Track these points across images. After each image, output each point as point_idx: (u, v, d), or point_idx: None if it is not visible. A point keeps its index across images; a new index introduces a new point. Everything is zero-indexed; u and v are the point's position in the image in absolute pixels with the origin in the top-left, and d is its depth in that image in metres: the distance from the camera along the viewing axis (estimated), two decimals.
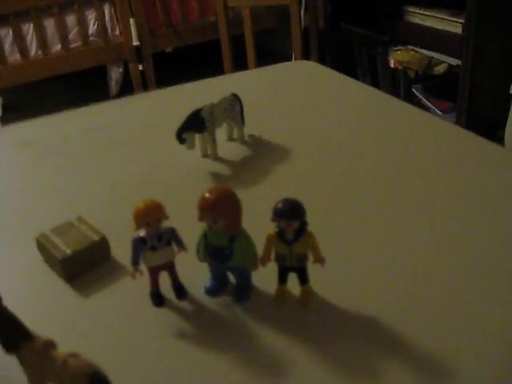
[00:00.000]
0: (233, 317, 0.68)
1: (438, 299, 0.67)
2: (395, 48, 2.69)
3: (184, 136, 0.95)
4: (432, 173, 0.93)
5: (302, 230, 0.64)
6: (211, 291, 0.70)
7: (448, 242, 0.77)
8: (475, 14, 2.09)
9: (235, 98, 1.04)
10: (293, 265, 0.66)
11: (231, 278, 0.71)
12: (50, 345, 0.52)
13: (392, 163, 0.97)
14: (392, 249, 0.77)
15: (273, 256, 0.67)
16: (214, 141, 1.01)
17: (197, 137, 0.99)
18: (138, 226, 0.64)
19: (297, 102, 1.26)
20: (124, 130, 1.20)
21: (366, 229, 0.81)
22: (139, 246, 0.65)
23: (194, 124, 0.95)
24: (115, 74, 3.70)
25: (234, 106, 1.03)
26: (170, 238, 0.67)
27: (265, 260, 0.67)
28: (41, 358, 0.52)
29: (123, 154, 1.09)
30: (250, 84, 1.38)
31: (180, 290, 0.71)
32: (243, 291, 0.70)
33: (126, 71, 3.71)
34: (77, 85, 4.08)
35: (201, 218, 0.64)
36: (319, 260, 0.66)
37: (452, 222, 0.81)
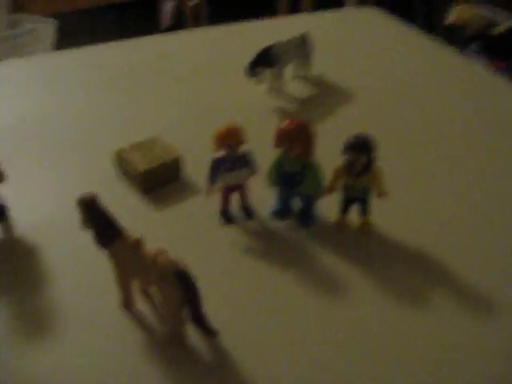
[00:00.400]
0: (296, 239, 0.73)
1: (493, 239, 0.72)
2: (456, 3, 2.64)
3: (255, 70, 0.99)
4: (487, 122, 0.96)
5: (369, 165, 0.68)
6: (277, 213, 0.76)
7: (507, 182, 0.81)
8: None
9: (305, 38, 1.07)
10: (357, 196, 0.71)
11: (296, 205, 0.76)
12: (140, 241, 0.58)
13: (452, 111, 1.00)
14: (452, 188, 0.81)
15: (339, 187, 0.71)
16: (281, 76, 1.04)
17: (265, 71, 1.02)
18: (219, 148, 0.69)
19: (360, 46, 1.29)
20: (193, 61, 1.25)
21: (427, 168, 0.85)
22: (218, 165, 0.71)
23: (266, 59, 0.99)
24: (168, 6, 3.70)
25: (303, 45, 1.06)
26: (246, 161, 0.72)
27: (331, 189, 0.72)
28: (131, 254, 0.58)
29: (194, 83, 1.15)
30: (316, 27, 1.39)
31: (248, 211, 0.76)
32: (307, 217, 0.75)
33: (179, 5, 3.71)
34: (128, 15, 4.10)
35: (277, 145, 0.69)
36: (382, 194, 0.71)
37: (488, 169, 0.85)
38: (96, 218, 0.59)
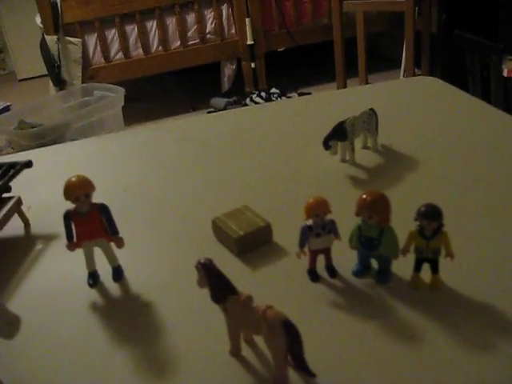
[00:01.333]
0: (375, 295, 0.84)
1: None
2: (510, 57, 2.70)
3: (330, 143, 1.12)
4: None
5: (438, 229, 0.80)
6: (358, 273, 0.87)
7: None
8: None
9: (372, 113, 1.20)
10: (428, 256, 0.82)
11: (374, 264, 0.87)
12: (250, 298, 0.70)
13: (499, 178, 1.11)
14: (506, 247, 0.90)
15: (412, 249, 0.83)
16: (353, 149, 1.18)
17: (338, 144, 1.16)
18: (308, 216, 0.82)
19: (421, 115, 1.41)
20: (271, 133, 1.40)
21: (488, 231, 0.95)
22: (307, 232, 0.83)
23: (338, 134, 1.13)
24: (228, 70, 3.90)
25: (371, 119, 1.19)
26: (331, 228, 0.84)
27: (405, 251, 0.83)
28: (243, 308, 0.70)
29: (273, 154, 1.29)
30: (375, 97, 1.53)
31: (332, 270, 0.88)
32: (385, 275, 0.86)
33: (239, 68, 3.91)
34: (192, 80, 4.32)
35: (358, 214, 0.81)
36: (450, 254, 0.82)
37: None
38: (213, 277, 0.72)
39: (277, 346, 0.68)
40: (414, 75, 3.00)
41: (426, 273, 0.84)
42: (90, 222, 0.88)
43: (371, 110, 1.20)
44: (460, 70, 3.07)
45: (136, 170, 1.28)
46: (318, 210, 0.81)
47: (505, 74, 2.75)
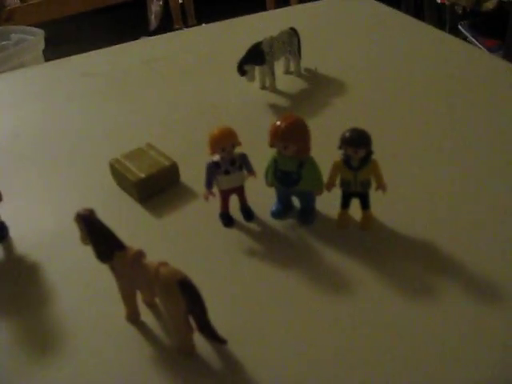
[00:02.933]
0: (297, 238, 0.72)
1: (496, 227, 0.71)
2: None
3: (245, 68, 0.98)
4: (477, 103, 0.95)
5: (366, 158, 0.68)
6: (277, 214, 0.75)
7: (497, 168, 0.80)
8: None
9: (293, 32, 1.06)
10: (357, 190, 0.70)
11: (295, 202, 0.75)
12: (141, 254, 0.57)
13: (438, 93, 1.01)
14: (450, 176, 0.80)
15: (337, 182, 0.71)
16: (272, 73, 1.04)
17: (256, 69, 1.01)
18: (213, 151, 0.68)
19: (349, 36, 1.28)
20: (182, 62, 1.24)
21: (424, 158, 0.85)
22: (213, 170, 0.70)
23: (255, 57, 0.99)
24: (155, 6, 3.69)
25: (292, 40, 1.05)
26: (242, 163, 0.71)
27: (330, 185, 0.71)
28: (132, 266, 0.57)
29: (184, 85, 1.14)
30: (304, 18, 1.39)
31: (248, 212, 0.75)
32: (308, 214, 0.74)
33: (166, 4, 3.70)
34: (116, 19, 4.08)
35: (272, 144, 0.68)
36: (381, 186, 0.70)
37: (486, 155, 0.84)
38: (95, 233, 0.59)
39: (174, 309, 0.55)
40: None
41: (355, 209, 0.73)
42: None
43: (292, 29, 1.06)
44: None
45: (32, 112, 1.11)
46: (224, 142, 0.68)
47: (438, 0, 2.68)
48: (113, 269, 0.60)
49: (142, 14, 3.74)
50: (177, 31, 1.46)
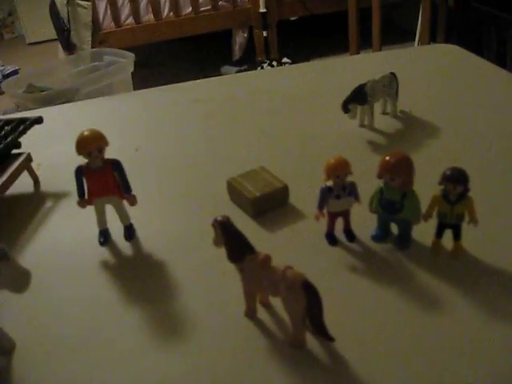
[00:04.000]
0: (394, 261, 0.81)
1: None
2: None
3: (349, 107, 1.09)
4: None
5: (463, 194, 0.77)
6: (377, 238, 0.84)
7: None
8: None
9: (393, 77, 1.16)
10: (451, 222, 0.79)
11: (394, 229, 0.85)
12: (269, 258, 0.68)
13: None
14: None
15: (434, 214, 0.80)
16: (372, 113, 1.15)
17: (358, 108, 1.12)
18: (328, 177, 0.79)
19: (440, 82, 1.37)
20: (287, 94, 1.37)
21: (510, 198, 0.92)
22: (327, 194, 0.80)
23: (358, 97, 1.10)
24: (240, 38, 3.83)
25: (391, 84, 1.16)
26: (351, 190, 0.81)
27: (428, 216, 0.80)
28: (261, 268, 0.68)
29: (290, 117, 1.26)
30: (390, 63, 1.49)
31: (351, 234, 0.85)
32: (405, 240, 0.83)
33: (251, 37, 3.84)
34: (203, 47, 4.26)
35: (380, 176, 0.78)
36: (474, 221, 0.79)
37: None
38: (229, 236, 0.69)
39: (295, 307, 0.65)
40: None
41: (447, 240, 0.81)
42: (102, 178, 0.85)
43: (392, 73, 1.17)
44: (476, 44, 3.01)
45: (147, 131, 1.26)
46: (339, 170, 0.78)
47: None
48: (241, 269, 0.70)
49: (226, 44, 3.90)
50: (276, 67, 1.58)
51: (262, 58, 3.79)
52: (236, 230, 0.69)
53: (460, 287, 0.76)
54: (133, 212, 0.90)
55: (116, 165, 0.85)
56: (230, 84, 1.47)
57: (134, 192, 0.88)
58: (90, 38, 3.59)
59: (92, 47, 3.52)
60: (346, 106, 1.09)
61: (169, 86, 1.50)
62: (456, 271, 0.79)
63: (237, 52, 3.87)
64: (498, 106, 1.23)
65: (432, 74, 1.42)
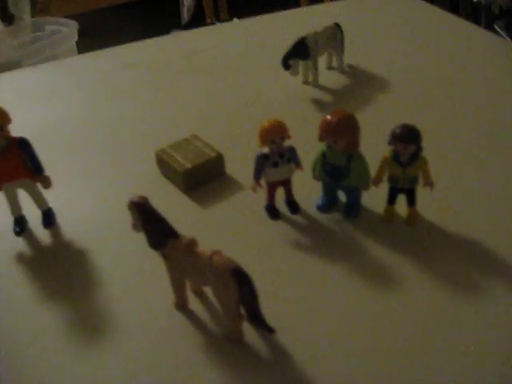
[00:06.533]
0: (342, 232, 0.73)
1: None
2: None
3: (289, 62, 0.98)
4: None
5: (416, 154, 0.68)
6: (323, 208, 0.75)
7: None
8: None
9: (337, 28, 1.06)
10: (404, 186, 0.70)
11: (341, 196, 0.76)
12: (194, 242, 0.58)
13: (483, 94, 1.01)
14: (494, 176, 0.80)
15: (385, 178, 0.71)
16: (316, 68, 1.04)
17: (300, 63, 1.02)
18: (263, 144, 0.69)
19: (392, 33, 1.28)
20: (224, 55, 1.25)
21: (471, 155, 0.85)
22: (263, 162, 0.71)
23: (299, 51, 0.99)
24: (187, 1, 3.70)
25: (335, 36, 1.06)
26: (290, 156, 0.71)
27: (378, 181, 0.71)
28: (185, 254, 0.58)
29: (227, 77, 1.15)
30: (347, 14, 1.39)
31: (294, 206, 0.76)
32: (353, 209, 0.74)
33: None
34: (149, 12, 4.10)
35: (321, 138, 0.68)
36: (429, 183, 0.70)
37: None
38: (148, 220, 0.59)
39: (226, 297, 0.56)
40: None
41: (401, 205, 0.73)
42: (7, 159, 0.74)
43: (336, 24, 1.06)
44: None
45: (75, 101, 1.13)
46: (275, 134, 0.68)
47: None
48: (165, 256, 0.61)
49: (174, 8, 3.75)
50: (216, 25, 1.46)
51: (211, 20, 3.67)
52: (155, 212, 0.59)
53: (416, 258, 0.68)
54: (51, 195, 0.79)
55: (23, 143, 0.74)
56: (163, 46, 1.35)
57: (56, 172, 0.77)
58: (29, 8, 3.41)
59: (32, 17, 3.35)
60: (286, 62, 0.99)
61: (97, 51, 1.37)
62: (411, 240, 0.71)
63: (185, 15, 3.73)
64: (451, 56, 1.15)
65: (381, 24, 1.33)
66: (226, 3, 3.68)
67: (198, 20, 3.68)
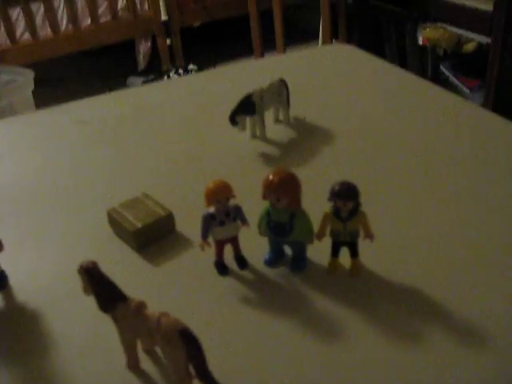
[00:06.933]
0: (289, 285, 0.75)
1: (475, 270, 0.75)
2: (424, 25, 2.70)
3: (236, 119, 1.02)
4: (461, 156, 1.01)
5: (355, 210, 0.71)
6: (270, 262, 0.78)
7: (477, 219, 0.84)
8: None
9: (282, 84, 1.11)
10: (346, 240, 0.74)
11: (288, 250, 0.79)
12: (142, 305, 0.60)
13: (422, 145, 1.06)
14: (431, 225, 0.84)
15: (328, 232, 0.74)
16: (263, 123, 1.08)
17: (247, 119, 1.06)
18: (209, 204, 0.72)
19: (335, 85, 1.33)
20: (175, 110, 1.28)
21: (410, 207, 0.89)
22: (209, 221, 0.73)
23: (246, 108, 1.03)
24: (143, 48, 3.75)
25: (281, 91, 1.10)
26: (236, 214, 0.74)
27: (320, 235, 0.75)
28: (134, 317, 0.60)
29: (176, 133, 1.18)
30: (292, 66, 1.44)
31: (242, 261, 0.79)
32: (299, 263, 0.77)
33: (154, 45, 3.76)
34: (106, 59, 4.14)
35: (265, 197, 0.71)
36: (369, 236, 0.74)
37: (473, 204, 0.88)
38: (97, 284, 0.61)
39: (174, 357, 0.58)
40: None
41: (344, 257, 0.76)
42: None
43: (281, 80, 1.11)
44: (377, 39, 3.05)
45: (28, 158, 1.15)
46: (219, 195, 0.71)
47: (420, 42, 2.76)
48: (115, 319, 0.62)
49: (130, 55, 3.79)
50: (167, 79, 1.50)
51: (167, 66, 3.72)
52: (104, 276, 0.61)
53: (361, 308, 0.71)
54: (3, 255, 0.80)
55: None
56: (116, 102, 1.37)
57: (6, 232, 0.79)
58: None
59: None
60: (233, 119, 1.02)
61: (52, 107, 1.39)
62: (356, 290, 0.74)
63: (141, 62, 3.78)
64: (393, 108, 1.20)
65: (327, 76, 1.39)
66: (181, 50, 3.74)
67: (153, 66, 3.73)
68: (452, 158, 1.00)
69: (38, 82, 2.98)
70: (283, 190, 0.70)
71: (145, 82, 3.44)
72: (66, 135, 1.22)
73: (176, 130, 1.19)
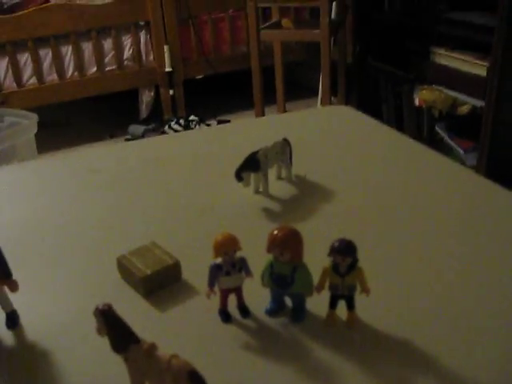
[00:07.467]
0: (289, 335, 0.80)
1: (467, 324, 0.79)
2: (421, 87, 2.80)
3: (242, 175, 1.08)
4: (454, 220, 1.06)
5: (353, 265, 0.77)
6: (271, 312, 0.83)
7: (474, 277, 0.89)
8: (500, 58, 2.20)
9: (286, 143, 1.17)
10: (343, 293, 0.79)
11: (288, 301, 0.83)
12: (154, 347, 0.64)
13: (416, 206, 1.11)
14: (425, 281, 0.89)
15: (326, 285, 0.79)
16: (266, 180, 1.14)
17: (251, 175, 1.12)
18: (217, 255, 0.77)
19: (335, 145, 1.40)
20: (183, 163, 1.35)
21: (405, 264, 0.94)
22: (216, 271, 0.78)
23: (251, 165, 1.10)
24: (146, 97, 3.84)
25: (284, 150, 1.17)
26: (241, 265, 0.79)
27: (320, 288, 0.79)
28: (146, 358, 0.64)
29: (182, 186, 1.24)
30: (293, 125, 1.52)
31: (244, 310, 0.83)
32: (299, 313, 0.82)
33: (157, 95, 3.86)
34: (109, 106, 4.23)
35: (269, 250, 0.77)
36: (366, 290, 0.79)
37: (463, 264, 0.93)
38: (112, 326, 0.66)
39: None
40: (331, 103, 3.05)
41: (342, 309, 0.81)
42: None
43: (285, 140, 1.18)
44: (375, 99, 3.15)
45: (39, 204, 1.20)
46: (227, 247, 0.76)
47: (416, 103, 2.84)
48: (126, 360, 0.67)
49: (133, 104, 3.89)
50: (175, 134, 1.57)
51: (169, 116, 3.81)
52: (118, 318, 0.66)
53: (357, 358, 0.75)
54: (15, 296, 0.84)
55: None
56: (127, 151, 1.44)
57: (18, 273, 0.82)
58: None
59: None
60: (239, 175, 1.09)
61: (71, 151, 1.45)
62: (352, 342, 0.78)
63: (144, 111, 3.87)
64: (389, 169, 1.26)
65: (326, 136, 1.45)
66: (183, 100, 3.83)
67: (155, 115, 3.82)
68: (443, 220, 1.06)
69: (42, 125, 3.05)
70: (287, 244, 0.75)
71: (146, 131, 3.52)
72: (77, 183, 1.28)
73: (182, 184, 1.25)
